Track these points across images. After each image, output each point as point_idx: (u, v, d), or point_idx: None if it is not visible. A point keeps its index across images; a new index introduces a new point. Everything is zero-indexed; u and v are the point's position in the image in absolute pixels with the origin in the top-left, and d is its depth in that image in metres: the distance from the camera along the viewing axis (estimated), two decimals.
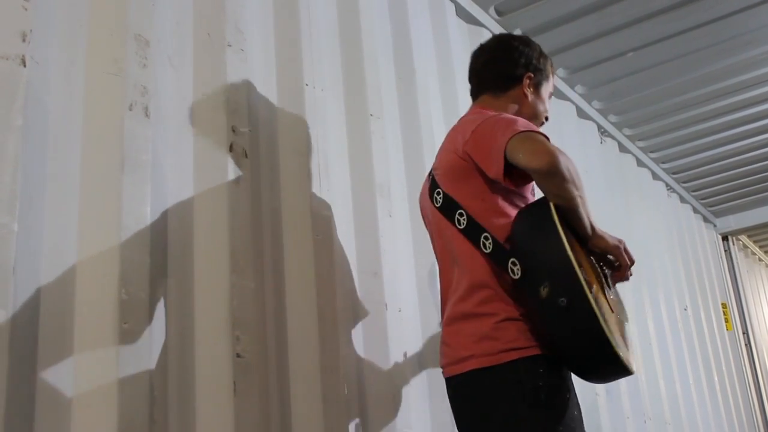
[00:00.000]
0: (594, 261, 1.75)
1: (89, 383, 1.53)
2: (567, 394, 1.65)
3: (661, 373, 4.68)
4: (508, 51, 2.01)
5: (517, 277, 1.63)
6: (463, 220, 1.76)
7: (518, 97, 1.96)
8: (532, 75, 1.97)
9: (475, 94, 2.04)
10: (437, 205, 1.84)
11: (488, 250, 1.70)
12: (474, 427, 1.73)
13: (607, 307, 1.64)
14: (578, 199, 1.64)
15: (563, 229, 1.59)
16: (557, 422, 1.60)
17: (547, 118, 2.04)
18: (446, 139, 1.93)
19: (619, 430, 3.82)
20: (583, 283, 1.51)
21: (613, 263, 1.80)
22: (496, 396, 1.65)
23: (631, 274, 1.83)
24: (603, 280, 1.74)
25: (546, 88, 2.01)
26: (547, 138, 1.67)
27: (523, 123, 1.71)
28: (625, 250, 1.76)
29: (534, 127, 1.72)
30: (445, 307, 1.85)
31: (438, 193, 1.84)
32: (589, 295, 1.50)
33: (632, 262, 1.78)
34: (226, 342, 1.81)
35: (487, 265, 1.72)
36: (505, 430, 1.64)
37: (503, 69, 1.99)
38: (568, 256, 1.53)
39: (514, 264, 1.64)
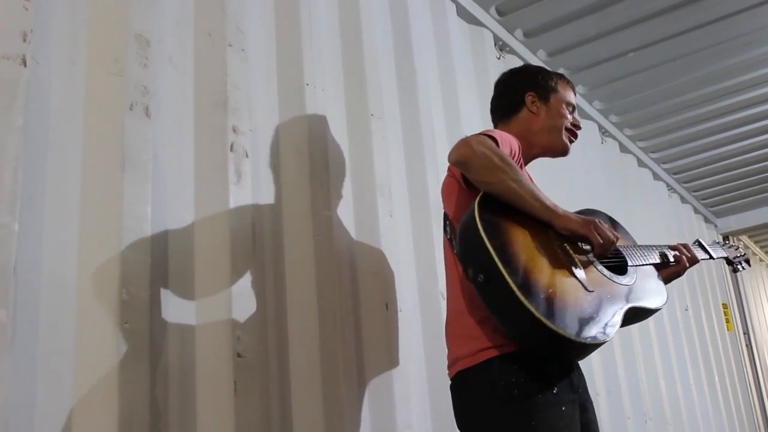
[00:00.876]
0: (569, 245, 1.74)
1: (90, 383, 1.53)
2: (545, 389, 1.64)
3: (662, 373, 4.68)
4: (506, 82, 2.13)
5: (461, 268, 1.69)
6: (449, 228, 1.85)
7: (527, 117, 2.03)
8: (534, 93, 2.04)
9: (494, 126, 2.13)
10: (442, 223, 1.94)
11: (455, 250, 1.78)
12: (464, 428, 1.76)
13: (564, 283, 1.62)
14: (507, 183, 1.66)
15: (482, 210, 1.62)
16: (530, 416, 1.60)
17: (576, 126, 2.07)
18: None
19: (620, 430, 3.82)
20: (495, 257, 1.53)
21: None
22: (475, 396, 1.69)
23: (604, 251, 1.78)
24: (575, 258, 1.72)
25: (557, 99, 2.05)
26: (491, 140, 1.71)
27: (493, 132, 1.79)
28: (597, 231, 1.73)
29: (497, 134, 1.77)
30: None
31: (444, 214, 1.93)
32: (502, 268, 1.52)
33: (608, 241, 1.73)
34: (226, 342, 1.81)
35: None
36: (484, 429, 1.67)
37: (505, 99, 2.10)
38: (480, 236, 1.57)
39: (458, 256, 1.71)
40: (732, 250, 2.57)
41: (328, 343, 2.08)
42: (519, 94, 2.06)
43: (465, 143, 1.70)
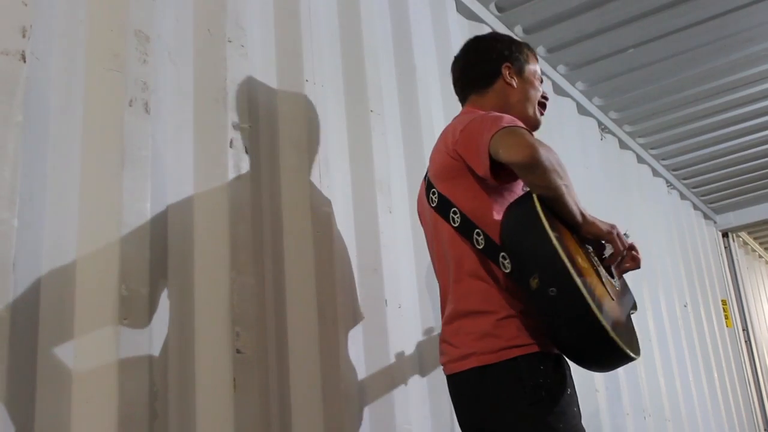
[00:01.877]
0: (589, 249, 1.75)
1: (89, 379, 1.53)
2: (567, 390, 1.66)
3: (661, 369, 4.69)
4: (479, 51, 2.06)
5: (508, 270, 1.65)
6: (457, 218, 1.77)
7: (503, 89, 1.98)
8: (510, 64, 1.99)
9: (462, 99, 2.07)
10: (433, 205, 1.86)
11: (481, 246, 1.72)
12: (476, 425, 1.74)
13: (605, 294, 1.63)
14: (562, 188, 1.64)
15: (548, 219, 1.59)
16: (558, 419, 1.61)
17: (545, 98, 2.05)
18: (438, 140, 1.94)
19: (619, 426, 3.82)
20: (571, 271, 1.51)
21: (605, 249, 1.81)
22: (498, 394, 1.66)
23: (631, 260, 1.83)
24: (599, 268, 1.73)
25: (530, 72, 2.02)
26: (530, 132, 1.69)
27: (508, 119, 1.72)
28: (618, 235, 1.76)
29: (518, 123, 1.73)
30: (445, 306, 1.86)
31: (433, 193, 1.86)
32: (578, 282, 1.50)
33: (627, 247, 1.77)
34: (226, 338, 1.81)
35: (481, 262, 1.73)
36: (507, 428, 1.65)
37: (480, 68, 2.02)
38: (554, 246, 1.54)
39: (504, 258, 1.66)
40: None
41: (327, 340, 2.08)
42: (494, 64, 1.99)
43: (528, 145, 1.61)
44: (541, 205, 1.62)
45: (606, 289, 1.67)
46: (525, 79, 2.00)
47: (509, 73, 1.98)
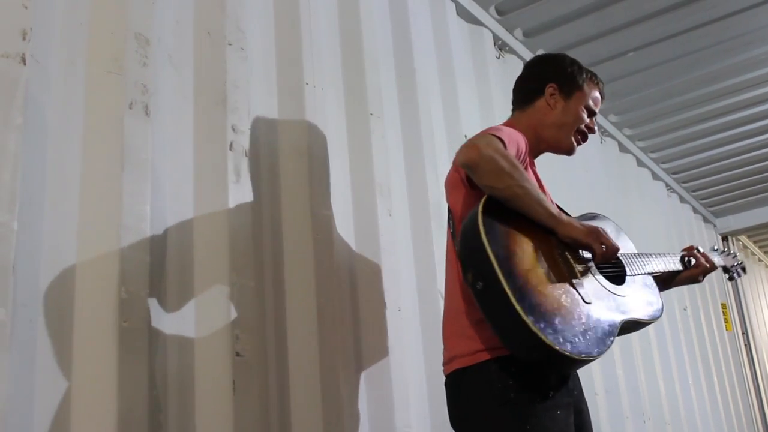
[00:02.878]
0: (570, 254, 1.73)
1: (89, 381, 1.53)
2: (540, 394, 1.63)
3: (661, 373, 4.68)
4: (532, 67, 2.09)
5: (463, 273, 1.68)
6: (452, 224, 1.83)
7: (542, 108, 1.98)
8: (556, 85, 1.98)
9: (512, 110, 2.09)
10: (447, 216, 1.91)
11: (457, 248, 1.75)
12: (457, 427, 1.75)
13: (561, 292, 1.61)
14: (514, 189, 1.64)
15: (485, 216, 1.60)
16: (526, 421, 1.60)
17: (590, 129, 2.02)
18: None
19: (619, 429, 3.82)
20: (495, 265, 1.52)
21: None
22: (471, 396, 1.68)
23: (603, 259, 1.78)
24: (578, 270, 1.71)
25: (578, 99, 1.98)
26: (497, 140, 1.68)
27: (494, 129, 1.75)
28: (600, 239, 1.73)
29: (502, 133, 1.73)
30: None
31: (448, 207, 1.92)
32: (501, 277, 1.51)
33: (611, 249, 1.74)
34: (225, 341, 1.81)
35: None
36: (479, 429, 1.67)
37: (527, 85, 2.04)
38: (482, 242, 1.55)
39: (459, 257, 1.70)
40: (729, 258, 2.53)
41: (326, 343, 2.08)
42: (541, 82, 1.99)
43: (473, 145, 1.66)
44: (486, 204, 1.63)
45: (575, 291, 1.65)
46: (569, 104, 1.97)
47: (551, 93, 1.97)
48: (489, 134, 1.71)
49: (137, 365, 1.61)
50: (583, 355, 1.53)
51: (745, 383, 6.79)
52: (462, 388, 1.72)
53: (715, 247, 2.50)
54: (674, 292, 5.39)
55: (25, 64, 1.53)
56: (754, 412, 6.80)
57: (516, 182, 1.64)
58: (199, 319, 1.81)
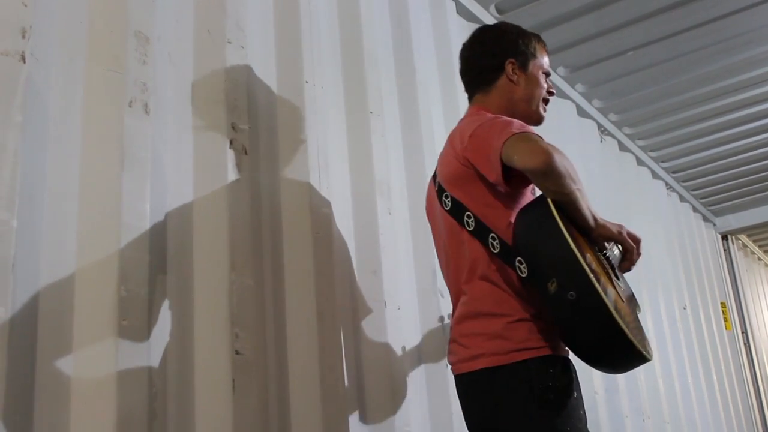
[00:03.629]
0: (598, 252, 1.76)
1: (88, 380, 1.53)
2: (575, 393, 1.66)
3: (660, 372, 4.69)
4: (483, 43, 2.02)
5: (524, 275, 1.66)
6: (471, 222, 1.78)
7: (507, 86, 1.95)
8: (514, 60, 1.96)
9: (468, 94, 2.06)
10: (447, 209, 1.86)
11: (496, 250, 1.72)
12: (483, 425, 1.74)
13: (617, 296, 1.64)
14: (577, 193, 1.65)
15: (564, 223, 1.60)
16: (565, 422, 1.62)
17: (551, 93, 2.02)
18: (447, 143, 1.94)
19: (618, 428, 3.82)
20: (590, 275, 1.52)
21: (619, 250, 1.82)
22: (507, 395, 1.67)
23: (639, 255, 1.81)
24: (610, 270, 1.74)
25: (535, 66, 1.98)
26: (541, 137, 1.68)
27: (518, 125, 1.72)
28: (629, 234, 1.76)
29: (528, 128, 1.72)
30: (456, 306, 1.87)
31: (446, 197, 1.86)
32: (597, 287, 1.51)
33: (637, 242, 1.77)
34: (225, 339, 1.81)
35: (496, 265, 1.74)
36: (514, 429, 1.66)
37: (483, 63, 1.99)
38: (572, 251, 1.54)
39: (520, 263, 1.66)
40: None
41: (326, 342, 2.08)
42: (498, 58, 1.96)
43: (543, 151, 1.60)
44: (557, 209, 1.63)
45: (617, 290, 1.68)
46: (530, 75, 1.96)
47: (512, 70, 1.95)
48: (531, 133, 1.68)
49: (136, 364, 1.61)
50: (651, 357, 1.59)
51: (744, 382, 6.80)
52: (495, 386, 1.69)
53: None
54: (674, 291, 5.41)
55: (24, 62, 1.53)
56: (753, 411, 6.80)
57: (578, 185, 1.65)
58: (198, 317, 1.81)
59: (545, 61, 2.01)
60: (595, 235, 1.72)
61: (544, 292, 1.59)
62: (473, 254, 1.78)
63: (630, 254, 1.78)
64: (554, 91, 2.06)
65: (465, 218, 1.79)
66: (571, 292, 1.53)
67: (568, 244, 1.55)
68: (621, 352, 1.55)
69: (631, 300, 1.81)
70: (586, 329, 1.56)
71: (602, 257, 1.75)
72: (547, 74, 2.02)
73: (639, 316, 1.80)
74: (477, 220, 1.77)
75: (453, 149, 1.85)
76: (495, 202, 1.76)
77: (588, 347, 1.60)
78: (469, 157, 1.77)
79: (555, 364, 1.65)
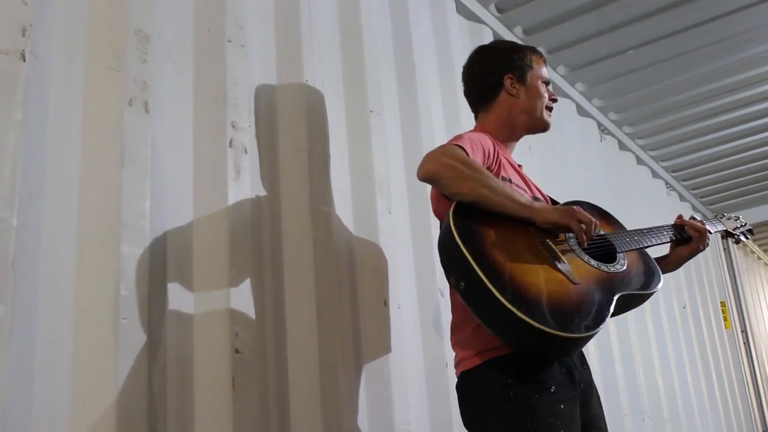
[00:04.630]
0: (549, 238, 1.75)
1: (88, 378, 1.53)
2: (542, 389, 1.65)
3: (660, 371, 4.69)
4: (481, 64, 2.08)
5: (452, 285, 1.69)
6: None
7: (507, 101, 2.01)
8: (512, 75, 2.02)
9: (473, 112, 2.12)
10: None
11: None
12: (467, 426, 1.79)
13: (546, 278, 1.63)
14: (479, 190, 1.67)
15: (458, 219, 1.63)
16: (527, 417, 1.62)
17: (553, 100, 2.07)
18: None
19: (618, 427, 3.82)
20: (473, 263, 1.54)
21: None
22: (475, 395, 1.73)
23: (588, 234, 1.75)
24: (558, 253, 1.72)
25: (534, 77, 2.03)
26: (457, 146, 1.71)
27: (459, 139, 1.78)
28: (577, 216, 1.73)
29: (461, 141, 1.76)
30: None
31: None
32: (481, 273, 1.53)
33: (588, 223, 1.73)
34: (225, 338, 1.81)
35: None
36: (483, 428, 1.72)
37: (482, 82, 2.06)
38: (456, 244, 1.58)
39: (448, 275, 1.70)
40: (731, 221, 2.46)
41: (326, 340, 2.08)
42: (496, 75, 2.02)
43: (430, 157, 1.71)
44: (457, 209, 1.66)
45: (561, 274, 1.66)
46: (529, 86, 2.01)
47: (511, 84, 2.01)
48: (448, 144, 1.75)
49: (136, 362, 1.61)
50: (576, 333, 1.54)
51: (744, 381, 6.80)
52: (467, 390, 1.77)
53: (712, 216, 2.46)
54: (674, 290, 5.41)
55: (24, 60, 1.53)
56: (753, 410, 6.80)
57: (479, 183, 1.67)
58: (198, 316, 1.81)
59: (543, 71, 2.06)
60: (538, 223, 1.73)
61: (452, 288, 1.66)
62: None
63: (578, 234, 1.74)
64: (556, 98, 2.10)
65: None
66: (461, 282, 1.59)
67: (454, 238, 1.59)
68: (519, 331, 1.52)
69: (615, 280, 1.77)
70: (485, 315, 1.59)
71: (551, 244, 1.74)
72: (546, 82, 2.06)
73: (638, 315, 1.80)
74: None
75: None
76: None
77: (499, 335, 1.62)
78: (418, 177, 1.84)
79: (516, 362, 1.66)
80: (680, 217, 2.18)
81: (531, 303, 1.54)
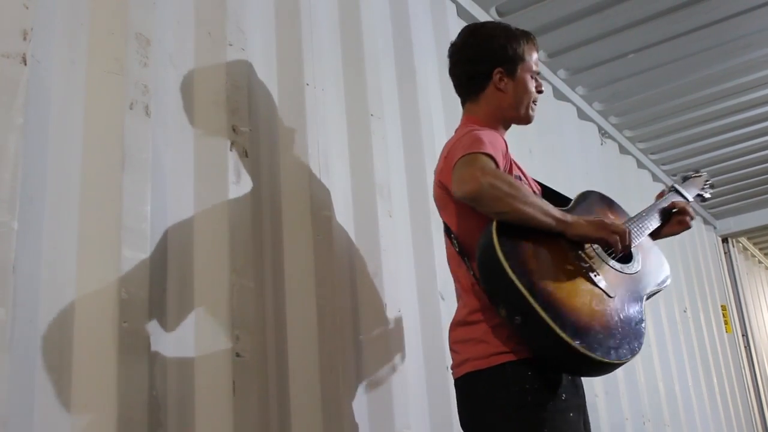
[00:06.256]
0: (581, 251, 1.75)
1: (89, 382, 1.53)
2: (562, 396, 1.66)
3: (660, 375, 4.68)
4: (473, 48, 1.99)
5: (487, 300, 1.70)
6: (455, 243, 1.83)
7: (494, 95, 1.94)
8: (502, 68, 1.93)
9: (459, 97, 2.04)
10: (443, 228, 1.91)
11: (471, 273, 1.77)
12: (470, 428, 1.77)
13: (589, 299, 1.64)
14: (520, 209, 1.63)
15: (504, 247, 1.59)
16: (542, 425, 1.62)
17: (540, 91, 2.00)
18: (440, 156, 1.93)
19: (618, 431, 3.82)
20: (529, 298, 1.54)
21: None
22: (487, 398, 1.69)
23: (625, 245, 1.77)
24: (595, 264, 1.74)
25: (524, 70, 1.95)
26: (486, 156, 1.66)
27: (473, 143, 1.71)
28: (611, 229, 1.73)
29: (476, 148, 1.69)
30: None
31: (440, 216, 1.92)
32: (537, 308, 1.53)
33: (623, 235, 1.73)
34: (225, 341, 1.81)
35: (477, 285, 1.76)
36: (492, 430, 1.69)
37: (470, 71, 1.97)
38: (509, 278, 1.56)
39: (484, 291, 1.70)
40: (698, 180, 2.53)
41: (326, 344, 2.08)
42: (485, 66, 1.93)
43: (470, 177, 1.62)
44: (499, 232, 1.62)
45: (599, 289, 1.68)
46: (518, 81, 1.93)
47: (500, 78, 1.92)
48: (476, 153, 1.67)
49: (137, 366, 1.61)
50: (629, 356, 1.61)
51: (744, 385, 6.79)
52: (476, 391, 1.72)
53: (688, 174, 2.50)
54: (674, 294, 5.41)
55: (25, 64, 1.53)
56: (754, 414, 6.80)
57: (519, 200, 1.64)
58: (199, 319, 1.81)
59: (534, 59, 1.98)
60: (570, 236, 1.72)
61: (499, 316, 1.64)
62: (461, 271, 1.84)
63: (615, 246, 1.75)
64: (543, 89, 2.03)
65: (453, 239, 1.84)
66: (516, 317, 1.58)
67: (506, 273, 1.56)
68: (578, 364, 1.59)
69: (636, 285, 1.80)
70: (541, 347, 1.61)
71: (583, 255, 1.74)
72: (536, 73, 1.99)
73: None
74: (459, 242, 1.82)
75: (437, 173, 1.89)
76: (468, 223, 1.78)
77: (552, 361, 1.64)
78: (444, 181, 1.82)
79: (533, 367, 1.65)
80: (660, 195, 2.23)
81: (588, 335, 1.56)
